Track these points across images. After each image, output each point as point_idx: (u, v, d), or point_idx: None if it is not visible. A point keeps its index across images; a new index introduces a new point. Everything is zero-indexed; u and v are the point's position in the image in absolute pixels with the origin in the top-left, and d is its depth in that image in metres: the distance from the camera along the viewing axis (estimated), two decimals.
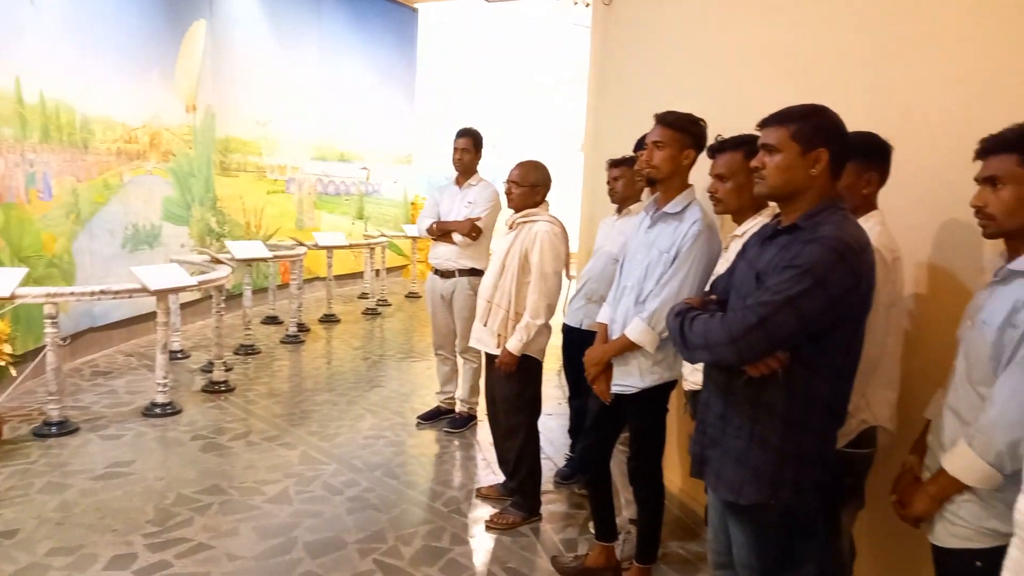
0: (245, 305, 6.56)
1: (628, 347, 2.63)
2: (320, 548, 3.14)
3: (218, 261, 6.02)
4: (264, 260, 6.84)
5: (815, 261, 1.71)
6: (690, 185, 2.65)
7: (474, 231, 4.44)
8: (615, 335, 2.70)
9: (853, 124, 1.91)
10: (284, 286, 8.51)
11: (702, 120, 2.62)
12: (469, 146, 4.60)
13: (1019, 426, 1.55)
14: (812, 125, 1.82)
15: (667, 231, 2.61)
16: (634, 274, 2.68)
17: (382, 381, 5.82)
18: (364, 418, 4.88)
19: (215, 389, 5.26)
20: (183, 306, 6.74)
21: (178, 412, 4.79)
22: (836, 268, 1.71)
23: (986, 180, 1.74)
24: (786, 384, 1.80)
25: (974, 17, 2.19)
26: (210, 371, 5.48)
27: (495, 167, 3.50)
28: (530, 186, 3.39)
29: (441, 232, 4.54)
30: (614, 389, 2.71)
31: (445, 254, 4.57)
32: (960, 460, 1.69)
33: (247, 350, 6.42)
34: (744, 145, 2.41)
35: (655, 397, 2.74)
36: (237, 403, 5.07)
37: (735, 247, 2.42)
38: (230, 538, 3.20)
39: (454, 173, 4.69)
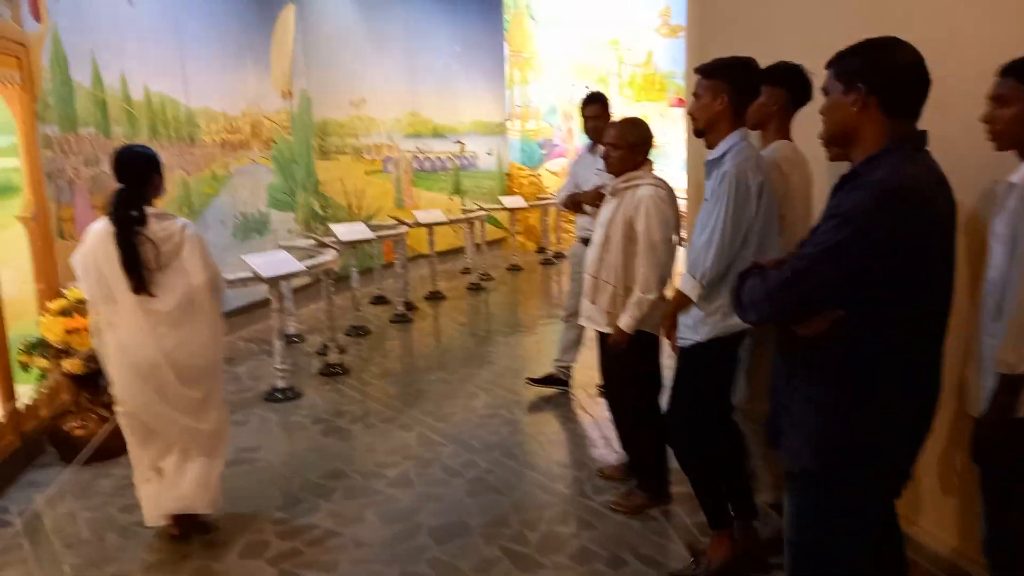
0: (353, 287, 6.64)
1: (681, 299, 2.61)
2: (445, 533, 3.11)
3: (324, 245, 6.10)
4: (368, 242, 6.89)
5: (854, 208, 1.55)
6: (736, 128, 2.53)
7: (598, 200, 4.26)
8: None
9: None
10: (389, 265, 8.60)
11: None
12: (600, 112, 4.45)
13: None
14: (854, 63, 1.70)
15: (712, 179, 2.54)
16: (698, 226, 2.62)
17: (492, 357, 5.77)
18: (477, 396, 4.84)
19: (331, 372, 5.35)
20: (295, 291, 6.87)
21: (298, 396, 4.90)
22: (879, 216, 1.53)
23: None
24: (841, 345, 1.63)
25: None
26: (325, 354, 5.58)
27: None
28: (628, 147, 3.13)
29: (572, 204, 4.41)
30: (678, 343, 2.67)
31: (587, 225, 4.41)
32: None
33: (359, 331, 6.52)
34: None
35: (712, 352, 2.59)
36: (353, 385, 5.14)
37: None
38: (356, 524, 3.21)
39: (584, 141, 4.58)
